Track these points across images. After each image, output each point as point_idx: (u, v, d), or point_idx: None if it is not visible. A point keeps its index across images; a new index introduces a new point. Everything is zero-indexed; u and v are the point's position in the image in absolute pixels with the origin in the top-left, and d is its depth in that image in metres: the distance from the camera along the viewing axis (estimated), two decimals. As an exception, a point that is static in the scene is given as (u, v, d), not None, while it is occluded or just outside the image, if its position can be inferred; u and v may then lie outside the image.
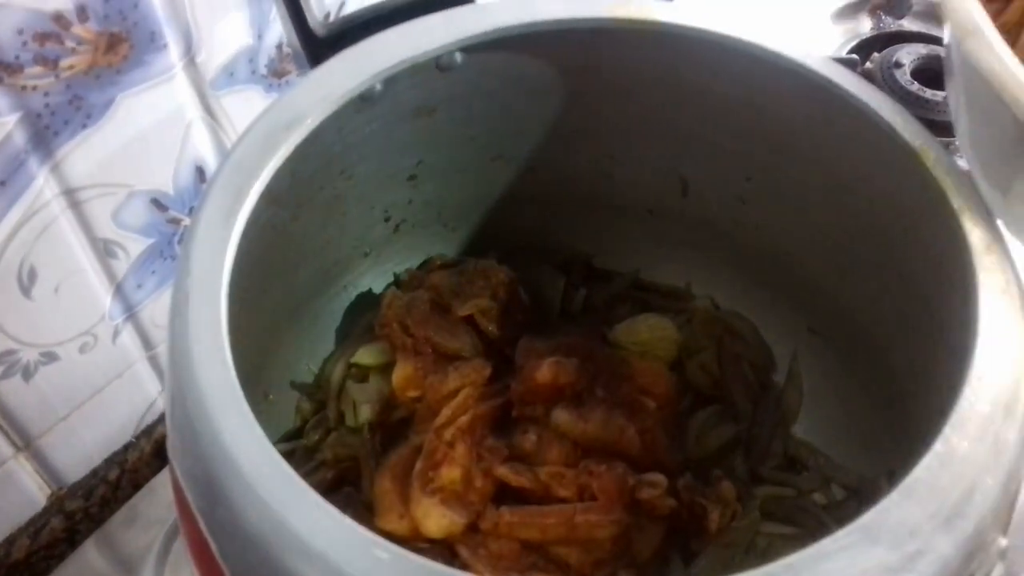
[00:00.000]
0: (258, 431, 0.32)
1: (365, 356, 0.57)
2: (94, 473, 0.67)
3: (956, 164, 0.40)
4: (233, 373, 0.33)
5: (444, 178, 0.56)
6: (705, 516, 0.48)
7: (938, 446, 0.33)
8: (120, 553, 0.67)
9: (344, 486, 0.53)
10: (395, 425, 0.54)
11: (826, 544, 0.31)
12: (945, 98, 0.79)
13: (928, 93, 0.79)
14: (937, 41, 0.87)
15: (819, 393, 0.57)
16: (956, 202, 0.39)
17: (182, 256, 0.36)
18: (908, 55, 0.83)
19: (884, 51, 0.85)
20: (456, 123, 0.53)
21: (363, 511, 0.49)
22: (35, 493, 0.64)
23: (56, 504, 0.65)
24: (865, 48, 0.89)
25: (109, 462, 0.67)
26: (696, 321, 0.59)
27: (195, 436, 0.33)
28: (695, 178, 0.57)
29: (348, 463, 0.53)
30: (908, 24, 0.93)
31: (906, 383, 0.50)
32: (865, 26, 0.93)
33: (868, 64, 0.84)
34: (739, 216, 0.56)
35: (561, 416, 0.49)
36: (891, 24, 0.93)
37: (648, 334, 0.57)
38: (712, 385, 0.57)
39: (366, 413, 0.55)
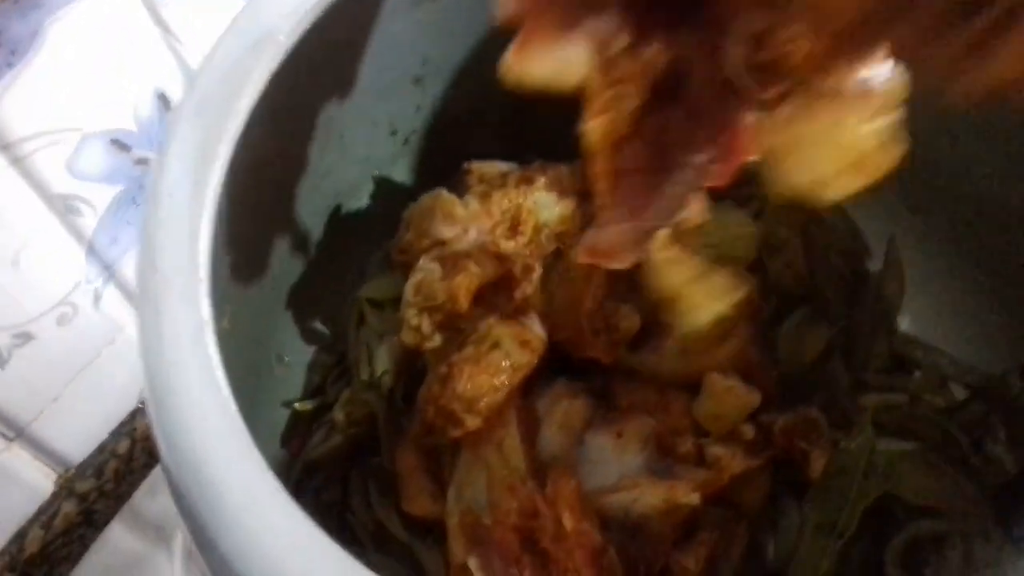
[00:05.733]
0: (272, 482, 0.24)
1: (377, 289, 0.49)
2: (101, 448, 0.60)
3: None
4: (233, 406, 0.25)
5: (456, 76, 0.46)
6: (807, 462, 0.41)
7: None
8: (152, 525, 0.61)
9: (365, 452, 0.45)
10: (420, 375, 0.46)
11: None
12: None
13: None
14: None
15: (924, 280, 0.49)
16: None
17: (144, 246, 0.27)
18: None
19: None
20: (465, 6, 0.42)
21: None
22: (40, 481, 0.57)
23: (66, 488, 0.59)
24: None
25: (116, 434, 0.60)
26: (772, 209, 0.50)
27: (191, 493, 0.25)
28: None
29: (364, 427, 0.45)
30: None
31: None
32: None
33: None
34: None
35: (631, 360, 0.41)
36: None
37: (721, 232, 0.47)
38: (798, 284, 0.49)
39: (384, 361, 0.47)
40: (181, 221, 0.27)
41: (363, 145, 0.46)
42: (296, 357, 0.48)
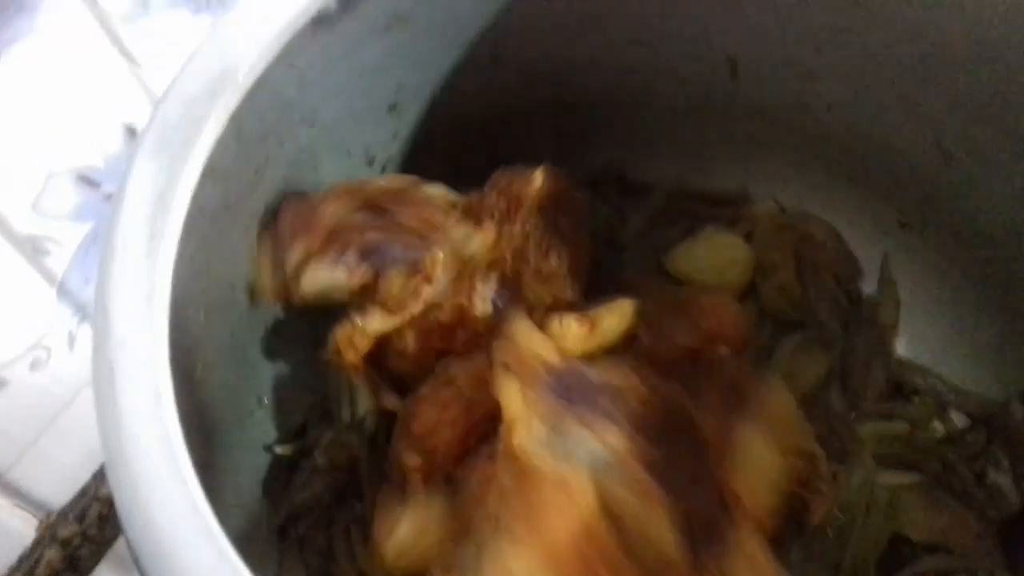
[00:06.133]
0: (234, 563, 0.22)
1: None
2: (83, 492, 0.58)
3: None
4: (195, 482, 0.23)
5: (432, 100, 0.45)
6: (805, 508, 0.39)
7: None
8: (139, 568, 0.59)
9: (350, 498, 0.44)
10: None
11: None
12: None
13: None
14: None
15: (920, 301, 0.47)
16: None
17: (98, 307, 0.26)
18: None
19: None
20: (438, 30, 0.41)
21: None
22: (20, 528, 0.56)
23: (48, 534, 0.57)
24: None
25: (98, 476, 0.58)
26: (762, 231, 0.48)
27: (150, 570, 0.23)
28: (747, 55, 0.45)
29: (347, 471, 0.44)
30: None
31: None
32: None
33: None
34: (806, 96, 0.45)
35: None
36: None
37: (714, 257, 0.46)
38: (792, 308, 0.47)
39: (366, 401, 0.45)
40: (137, 279, 0.25)
41: (338, 176, 0.44)
42: (276, 398, 0.46)
